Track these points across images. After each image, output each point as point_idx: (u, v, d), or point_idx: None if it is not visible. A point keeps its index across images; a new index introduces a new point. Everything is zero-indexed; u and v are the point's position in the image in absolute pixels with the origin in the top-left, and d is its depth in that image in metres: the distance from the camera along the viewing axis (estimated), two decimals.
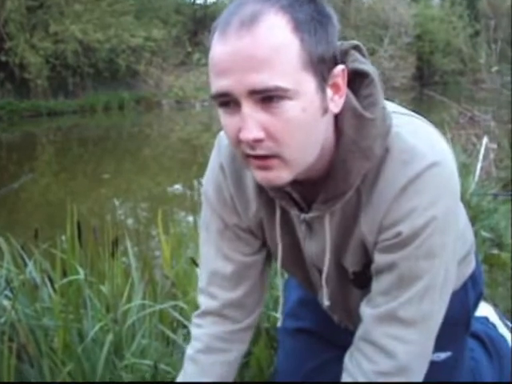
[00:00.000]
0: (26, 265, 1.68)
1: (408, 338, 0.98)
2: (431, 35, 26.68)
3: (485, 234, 2.73)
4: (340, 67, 0.90)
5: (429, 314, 0.99)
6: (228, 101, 0.87)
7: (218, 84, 0.86)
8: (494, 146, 4.66)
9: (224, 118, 0.90)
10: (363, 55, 0.99)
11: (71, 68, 18.38)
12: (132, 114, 18.22)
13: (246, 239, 1.16)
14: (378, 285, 1.01)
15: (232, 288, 1.18)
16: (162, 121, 17.73)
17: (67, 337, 1.49)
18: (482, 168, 3.94)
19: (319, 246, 1.07)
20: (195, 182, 8.83)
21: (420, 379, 1.03)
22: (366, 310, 1.02)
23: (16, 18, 17.44)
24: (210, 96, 0.90)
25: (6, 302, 1.54)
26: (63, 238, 2.00)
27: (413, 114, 1.03)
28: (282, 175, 0.90)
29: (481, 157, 4.05)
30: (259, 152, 0.88)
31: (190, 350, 1.23)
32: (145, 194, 8.27)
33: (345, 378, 1.05)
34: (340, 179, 0.95)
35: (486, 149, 4.29)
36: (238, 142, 0.89)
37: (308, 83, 0.86)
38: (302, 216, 1.03)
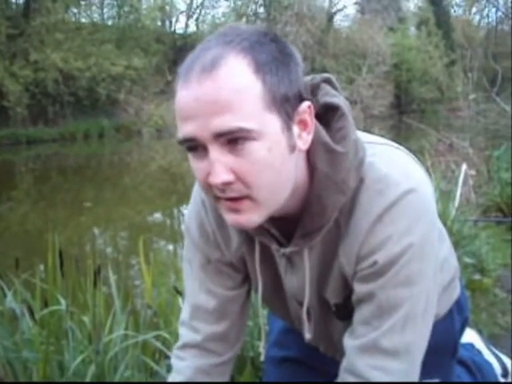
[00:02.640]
0: (5, 295, 1.64)
1: (392, 368, 0.96)
2: (408, 64, 27.21)
3: (467, 259, 2.74)
4: (305, 104, 0.90)
5: (411, 343, 0.97)
6: (195, 145, 0.87)
7: (184, 129, 0.86)
8: (473, 172, 4.72)
9: (193, 162, 0.90)
10: (335, 88, 0.99)
11: (51, 96, 18.39)
12: (112, 142, 18.18)
13: (228, 273, 1.16)
14: (358, 315, 1.00)
15: (215, 322, 1.17)
16: (142, 149, 17.73)
17: (47, 369, 1.45)
18: (461, 194, 3.98)
19: (300, 280, 1.06)
20: (175, 211, 8.81)
21: None
22: (348, 342, 1.01)
23: None
24: (177, 141, 0.90)
25: None
26: (42, 267, 1.96)
27: (389, 142, 1.04)
28: (252, 218, 0.90)
29: (460, 183, 4.09)
30: (229, 194, 0.87)
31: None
32: (125, 223, 8.21)
33: None
34: (316, 214, 0.95)
35: (465, 175, 4.34)
36: (208, 185, 0.89)
37: (272, 123, 0.86)
38: (282, 251, 1.03)
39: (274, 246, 1.04)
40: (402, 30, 28.33)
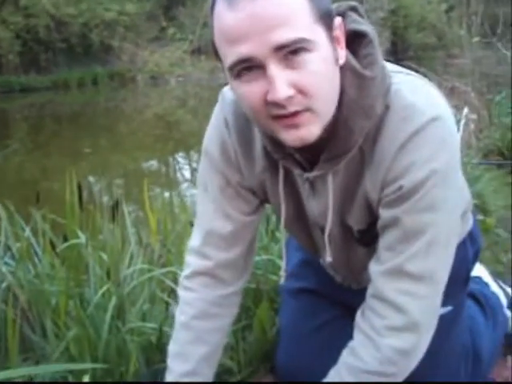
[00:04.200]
0: (24, 230, 1.66)
1: (417, 292, 1.00)
2: (405, 10, 26.67)
3: None
4: (338, 20, 0.93)
5: (435, 269, 1.01)
6: (250, 66, 0.87)
7: (237, 51, 0.86)
8: (474, 116, 4.72)
9: (244, 86, 0.90)
10: (361, 16, 1.01)
11: (43, 43, 18.03)
12: (106, 89, 17.95)
13: (246, 198, 1.17)
14: (383, 241, 1.03)
15: (227, 248, 1.18)
16: (137, 96, 17.51)
17: (70, 303, 1.49)
18: (462, 138, 3.99)
19: (322, 206, 1.08)
20: (170, 159, 8.79)
21: (430, 336, 1.05)
22: (374, 268, 1.04)
23: None
24: (227, 67, 0.89)
25: (5, 268, 1.53)
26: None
27: (412, 73, 1.05)
28: (312, 129, 0.92)
29: (461, 127, 4.09)
30: (291, 109, 0.88)
31: (182, 316, 1.22)
32: (120, 170, 8.19)
33: (356, 335, 1.06)
34: (342, 138, 0.97)
35: (467, 119, 4.34)
36: (263, 106, 0.89)
37: (322, 35, 0.88)
38: (305, 175, 1.05)
39: (297, 171, 1.06)
40: None
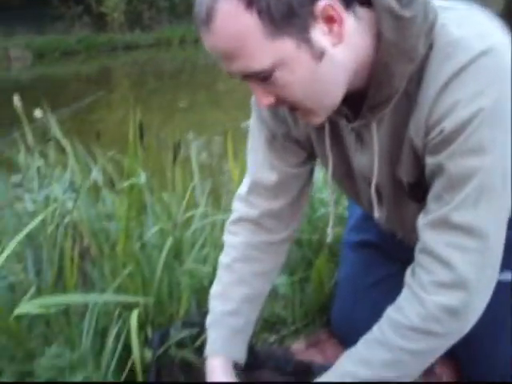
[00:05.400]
0: (89, 168, 1.69)
1: (466, 246, 0.89)
2: None
3: None
4: (321, 4, 0.81)
5: (486, 221, 0.88)
6: None
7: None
8: None
9: None
10: None
11: (147, 1, 18.44)
12: None
13: (293, 150, 1.15)
14: (431, 192, 0.93)
15: (272, 198, 1.18)
16: None
17: (129, 241, 1.50)
18: None
19: (369, 157, 1.01)
20: None
21: (484, 298, 0.94)
22: (420, 221, 0.95)
23: None
24: None
25: (69, 204, 1.56)
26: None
27: (467, 5, 0.93)
28: (313, 119, 0.94)
29: None
30: (284, 106, 0.93)
31: (225, 258, 1.23)
32: (218, 127, 8.28)
33: (403, 291, 0.99)
34: (384, 85, 0.90)
35: None
36: None
37: (284, 47, 0.82)
38: (350, 126, 0.99)
39: (342, 122, 1.00)
40: None
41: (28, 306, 1.21)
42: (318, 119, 0.93)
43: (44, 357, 1.23)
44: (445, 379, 1.35)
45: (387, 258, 1.41)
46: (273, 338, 1.49)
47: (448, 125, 0.85)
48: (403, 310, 0.95)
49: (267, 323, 1.51)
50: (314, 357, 1.42)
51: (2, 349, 1.28)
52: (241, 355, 1.21)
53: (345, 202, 1.73)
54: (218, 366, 1.16)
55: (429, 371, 1.34)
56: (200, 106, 9.83)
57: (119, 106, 10.17)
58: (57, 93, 10.26)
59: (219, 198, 1.93)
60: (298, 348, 1.46)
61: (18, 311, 1.20)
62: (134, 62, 15.81)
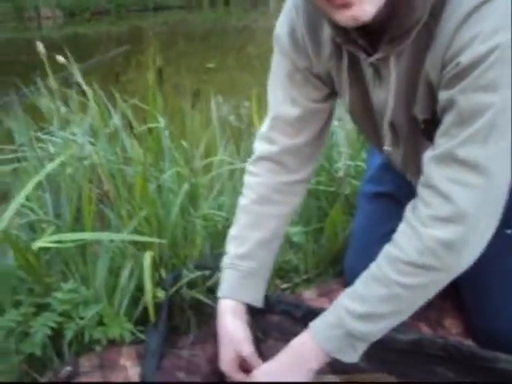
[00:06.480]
0: (109, 113, 1.70)
1: (469, 181, 0.88)
2: None
3: None
4: None
5: (492, 158, 0.87)
6: None
7: None
8: None
9: None
10: None
11: None
12: (238, 10, 17.95)
13: (314, 84, 1.14)
14: (440, 127, 0.92)
15: (294, 134, 1.18)
16: (268, 18, 17.34)
17: (146, 185, 1.51)
18: None
19: (386, 93, 1.01)
20: None
21: (484, 235, 0.92)
22: (426, 155, 0.94)
23: None
24: None
25: (89, 147, 1.58)
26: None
27: None
28: (365, 8, 0.84)
29: None
30: None
31: (243, 200, 1.23)
32: (247, 90, 8.22)
33: (402, 225, 0.99)
34: (403, 17, 0.89)
35: None
36: None
37: None
38: (369, 60, 0.97)
39: (361, 56, 0.99)
40: None
41: (47, 240, 1.25)
42: (371, 8, 0.85)
43: (60, 291, 1.27)
44: (454, 332, 1.35)
45: (403, 208, 1.40)
46: (285, 285, 1.50)
47: (464, 59, 0.84)
48: (400, 243, 0.96)
49: (280, 271, 1.52)
50: (325, 305, 1.43)
51: (22, 282, 1.32)
52: (254, 298, 1.21)
53: (363, 154, 1.72)
54: (228, 307, 1.18)
55: (438, 323, 1.35)
56: (229, 69, 9.77)
57: (148, 66, 10.14)
58: (86, 49, 10.28)
59: (239, 148, 1.93)
60: (309, 296, 1.47)
61: (37, 245, 1.23)
62: (163, 22, 15.72)
